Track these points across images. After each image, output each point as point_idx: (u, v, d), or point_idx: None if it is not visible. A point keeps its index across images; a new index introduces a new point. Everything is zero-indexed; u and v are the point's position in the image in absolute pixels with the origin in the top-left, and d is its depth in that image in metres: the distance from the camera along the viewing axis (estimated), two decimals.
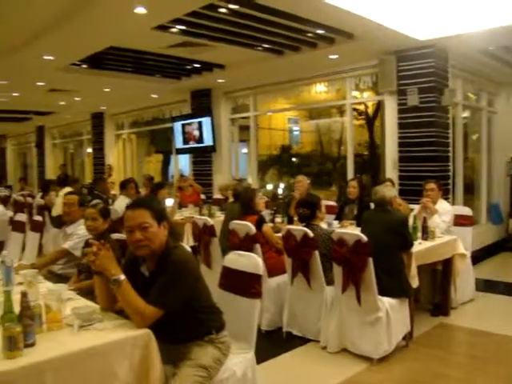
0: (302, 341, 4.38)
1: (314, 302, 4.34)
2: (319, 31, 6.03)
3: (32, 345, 2.10)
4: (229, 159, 9.77)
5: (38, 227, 5.60)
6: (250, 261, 2.99)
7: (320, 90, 8.51)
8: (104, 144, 13.35)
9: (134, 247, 2.50)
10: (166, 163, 16.09)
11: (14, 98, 10.51)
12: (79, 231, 4.10)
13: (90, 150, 14.74)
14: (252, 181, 9.29)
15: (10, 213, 7.38)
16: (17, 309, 2.14)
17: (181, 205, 7.53)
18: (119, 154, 13.55)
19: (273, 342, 4.40)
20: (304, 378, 3.76)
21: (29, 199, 9.88)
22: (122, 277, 2.39)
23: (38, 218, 5.83)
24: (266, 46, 6.72)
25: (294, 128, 14.65)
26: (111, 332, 2.30)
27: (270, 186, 12.97)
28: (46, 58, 6.70)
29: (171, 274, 2.41)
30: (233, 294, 3.01)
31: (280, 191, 11.77)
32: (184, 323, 2.53)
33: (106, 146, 13.34)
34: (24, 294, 2.16)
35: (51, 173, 16.42)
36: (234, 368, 2.68)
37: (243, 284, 2.96)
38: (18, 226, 5.89)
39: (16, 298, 2.19)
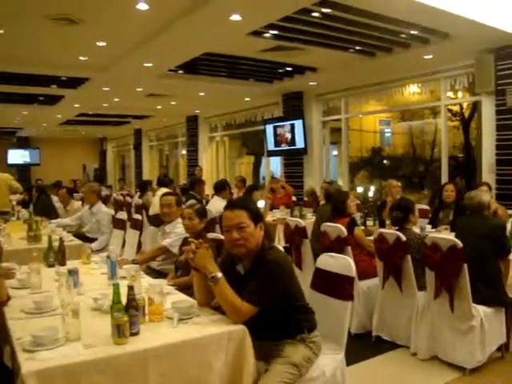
0: (392, 346, 4.30)
1: (404, 307, 4.25)
2: (413, 32, 5.91)
3: (137, 334, 2.27)
4: (320, 161, 9.78)
5: (138, 225, 5.94)
6: (343, 262, 3.00)
7: (413, 91, 8.31)
8: (198, 146, 13.83)
9: (230, 246, 2.61)
10: (257, 165, 16.36)
11: (114, 103, 11.20)
12: (177, 230, 4.31)
13: (184, 152, 15.32)
14: (342, 183, 9.24)
15: (112, 211, 7.84)
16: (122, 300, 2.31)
17: (272, 206, 7.64)
18: (212, 155, 13.98)
19: (361, 346, 4.35)
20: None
21: (128, 198, 10.43)
22: (220, 274, 2.50)
23: (138, 216, 6.17)
24: (358, 47, 6.69)
25: (386, 130, 14.35)
26: (208, 326, 2.42)
27: (360, 189, 12.81)
28: (145, 65, 7.10)
29: (267, 273, 2.50)
30: (324, 295, 3.04)
31: (371, 194, 11.59)
32: (277, 321, 2.59)
33: (199, 148, 13.81)
34: (130, 287, 2.33)
35: (148, 173, 17.28)
36: (323, 368, 2.70)
37: (335, 285, 2.98)
38: (118, 224, 6.28)
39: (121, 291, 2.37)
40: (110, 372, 2.05)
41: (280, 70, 8.17)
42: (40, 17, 5.22)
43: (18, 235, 5.38)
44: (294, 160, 10.01)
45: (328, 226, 4.86)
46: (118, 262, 3.76)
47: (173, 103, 11.47)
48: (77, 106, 11.48)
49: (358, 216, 5.94)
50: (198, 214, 3.89)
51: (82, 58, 6.90)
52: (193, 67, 7.86)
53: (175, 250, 4.17)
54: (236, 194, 9.85)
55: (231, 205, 2.68)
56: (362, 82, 8.39)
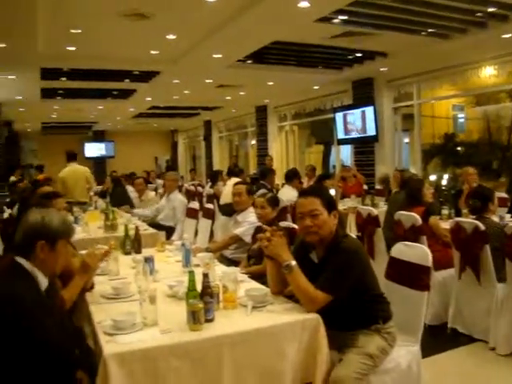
0: (468, 339, 4.12)
1: (483, 299, 4.06)
2: (490, 9, 5.59)
3: (211, 320, 2.31)
4: (391, 149, 9.53)
5: (210, 214, 6.04)
6: (419, 252, 2.92)
7: (489, 74, 7.88)
8: (267, 136, 13.86)
9: (303, 233, 2.59)
10: (326, 154, 16.17)
11: (184, 96, 11.39)
12: (249, 218, 4.33)
13: (253, 142, 15.39)
14: (415, 171, 8.96)
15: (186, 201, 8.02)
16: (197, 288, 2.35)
17: (343, 195, 7.54)
18: (282, 145, 13.97)
19: (436, 338, 4.20)
20: (470, 379, 3.53)
21: (199, 188, 10.62)
22: (293, 262, 2.49)
23: (209, 205, 6.27)
24: (431, 30, 6.42)
25: (459, 115, 13.75)
26: (282, 314, 2.42)
27: (433, 177, 12.38)
28: (214, 56, 7.16)
29: (341, 261, 2.46)
30: (400, 285, 2.96)
31: (444, 182, 11.18)
32: (352, 311, 2.55)
33: (269, 138, 13.84)
34: (205, 275, 2.37)
35: (218, 164, 17.52)
36: (398, 359, 2.64)
37: (411, 275, 2.90)
38: (191, 213, 6.42)
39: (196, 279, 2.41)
40: (185, 357, 2.09)
41: (349, 57, 7.99)
42: (113, 14, 5.39)
43: (95, 224, 5.60)
44: (365, 148, 9.81)
45: (402, 215, 4.73)
46: (193, 250, 3.85)
47: (242, 93, 11.51)
48: (148, 99, 11.79)
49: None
50: (270, 202, 3.89)
51: (153, 51, 7.07)
52: (261, 56, 7.85)
53: (247, 239, 4.21)
54: (306, 183, 9.79)
55: (305, 192, 2.67)
56: (435, 65, 8.04)
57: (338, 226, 2.62)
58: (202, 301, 2.27)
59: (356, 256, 2.49)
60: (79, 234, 5.25)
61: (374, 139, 9.35)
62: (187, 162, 22.22)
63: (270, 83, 10.06)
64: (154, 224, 6.74)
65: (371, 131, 9.31)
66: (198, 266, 3.32)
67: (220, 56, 7.19)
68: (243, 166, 16.64)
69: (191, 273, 2.33)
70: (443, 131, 12.93)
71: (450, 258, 4.37)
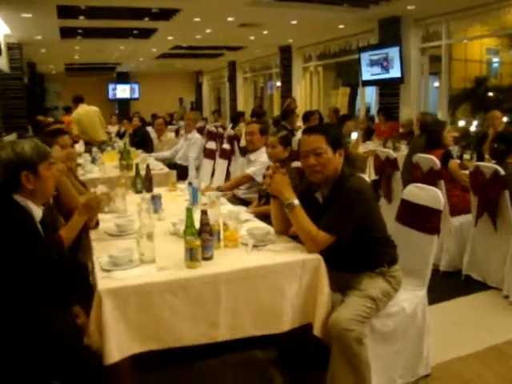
0: (482, 287, 4.05)
1: (499, 247, 3.95)
2: None
3: (210, 258, 2.27)
4: (417, 92, 9.19)
5: (226, 154, 5.97)
6: (430, 194, 2.83)
7: None
8: (292, 77, 13.52)
9: (307, 172, 2.51)
10: (352, 96, 15.77)
11: (207, 35, 11.06)
12: (261, 158, 4.26)
13: (278, 84, 15.07)
14: (442, 116, 8.67)
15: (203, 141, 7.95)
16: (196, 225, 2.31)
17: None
18: (306, 86, 13.64)
19: (450, 284, 4.14)
20: (479, 325, 3.46)
21: (220, 130, 10.50)
22: (296, 201, 2.42)
23: (226, 146, 6.19)
24: None
25: (494, 59, 13.13)
26: (282, 253, 2.37)
27: (462, 123, 11.99)
28: None
29: (345, 200, 2.38)
30: (409, 227, 2.89)
31: (473, 128, 10.82)
32: (356, 253, 2.49)
33: (293, 79, 13.49)
34: (204, 212, 2.31)
35: (242, 106, 17.28)
36: (403, 304, 2.59)
37: (421, 218, 2.82)
38: (208, 153, 6.36)
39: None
40: (181, 293, 2.08)
41: None
42: None
43: (112, 164, 5.60)
44: (390, 90, 9.47)
45: (420, 157, 4.58)
46: (203, 189, 3.82)
47: (265, 33, 11.14)
48: (170, 38, 11.51)
49: (454, 149, 5.58)
50: (281, 141, 3.78)
51: None
52: None
53: (259, 179, 4.14)
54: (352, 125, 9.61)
55: (309, 129, 2.56)
56: (467, 3, 7.54)
57: (345, 164, 2.52)
58: (200, 238, 2.23)
59: (360, 196, 2.39)
60: (95, 173, 5.31)
61: (400, 81, 9.01)
62: (212, 103, 21.97)
63: (294, 22, 9.67)
64: (173, 164, 6.76)
65: (396, 73, 8.96)
66: (206, 204, 3.27)
67: None
68: (268, 107, 16.40)
69: (189, 210, 2.28)
70: (476, 76, 12.41)
71: (468, 203, 4.25)
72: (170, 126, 11.63)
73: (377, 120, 8.94)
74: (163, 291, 2.05)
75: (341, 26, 10.08)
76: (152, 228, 2.29)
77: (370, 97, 12.08)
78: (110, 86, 19.70)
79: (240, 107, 17.04)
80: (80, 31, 10.34)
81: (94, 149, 6.80)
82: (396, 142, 6.89)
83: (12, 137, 8.39)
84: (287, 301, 2.28)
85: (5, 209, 1.98)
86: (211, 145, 6.54)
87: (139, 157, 5.96)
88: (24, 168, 2.01)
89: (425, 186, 2.95)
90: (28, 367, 1.85)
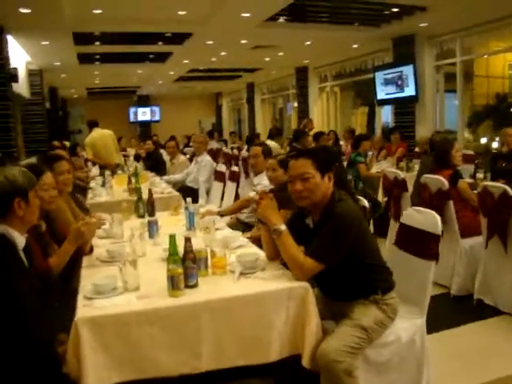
0: (494, 312, 3.88)
1: (510, 270, 3.80)
2: None
3: (194, 286, 2.22)
4: (433, 110, 9.08)
5: (235, 177, 5.94)
6: (428, 218, 2.72)
7: None
8: (308, 97, 13.53)
9: (294, 198, 2.45)
10: (371, 115, 15.71)
11: (222, 58, 11.20)
12: (264, 181, 4.21)
13: (296, 105, 15.11)
14: (459, 134, 8.55)
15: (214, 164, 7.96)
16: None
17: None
18: (323, 107, 13.63)
19: (461, 309, 4.01)
20: (488, 354, 3.30)
21: (235, 152, 10.53)
22: (283, 227, 2.36)
23: (235, 168, 6.17)
24: None
25: None
26: (269, 281, 2.30)
27: (484, 140, 11.82)
28: (243, 15, 6.94)
29: (333, 227, 2.30)
30: (407, 253, 2.79)
31: (495, 145, 10.64)
32: (348, 280, 2.41)
33: (310, 100, 13.51)
34: (187, 239, 2.27)
35: (261, 127, 17.34)
36: (400, 333, 2.48)
37: (418, 243, 2.72)
38: (218, 176, 6.36)
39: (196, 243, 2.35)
40: (160, 324, 2.04)
41: (386, 12, 7.56)
42: None
43: (122, 187, 5.62)
44: (405, 109, 9.39)
45: (428, 178, 4.48)
46: (203, 213, 3.78)
47: (280, 54, 11.22)
48: (186, 61, 11.66)
49: (466, 168, 5.48)
50: (281, 164, 3.72)
51: (180, 12, 6.89)
52: (293, 14, 7.55)
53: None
54: (344, 145, 9.54)
55: (297, 153, 2.50)
56: (481, 19, 7.46)
57: (335, 188, 2.45)
58: (184, 266, 2.19)
59: (350, 222, 2.31)
60: (103, 196, 5.33)
61: (414, 99, 8.92)
62: (231, 125, 22.13)
63: (308, 43, 9.73)
64: (184, 187, 6.77)
65: (411, 91, 8.90)
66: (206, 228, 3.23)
67: (248, 15, 6.96)
68: (286, 128, 16.41)
69: (172, 236, 2.23)
70: (497, 92, 12.25)
71: (479, 224, 4.11)
72: (186, 149, 11.72)
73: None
74: (141, 321, 2.01)
75: (355, 46, 10.09)
76: (136, 255, 2.26)
77: (387, 116, 12.00)
78: (131, 109, 20.05)
79: (258, 128, 17.11)
80: (97, 56, 10.59)
81: (107, 172, 6.87)
82: (409, 162, 6.78)
83: (31, 160, 8.53)
84: (274, 330, 2.21)
85: None
86: (221, 167, 6.53)
87: (148, 181, 5.99)
88: (17, 194, 2.00)
89: (424, 209, 2.86)
90: None
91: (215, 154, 10.46)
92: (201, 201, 6.25)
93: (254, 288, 2.24)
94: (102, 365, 1.97)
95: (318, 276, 2.45)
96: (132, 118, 19.98)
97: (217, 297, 2.15)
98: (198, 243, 2.59)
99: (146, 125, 20.18)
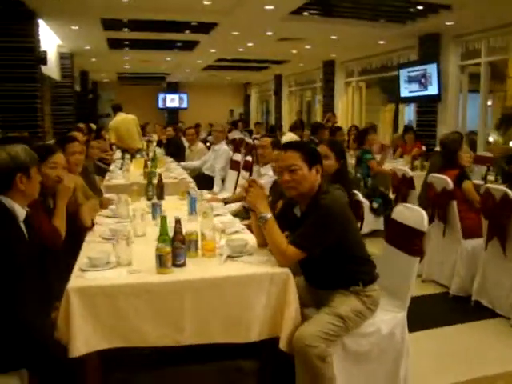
0: (491, 314, 3.90)
1: (508, 273, 3.82)
2: None
3: (182, 265, 2.37)
4: (455, 110, 9.03)
5: (248, 166, 6.07)
6: (415, 215, 2.80)
7: None
8: (334, 92, 13.53)
9: (283, 188, 2.56)
10: (397, 113, 15.58)
11: (249, 48, 11.28)
12: (270, 172, 4.33)
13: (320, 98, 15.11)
14: (482, 135, 8.51)
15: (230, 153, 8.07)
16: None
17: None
18: (348, 101, 13.62)
19: (458, 310, 4.05)
20: (477, 353, 3.35)
21: (256, 142, 10.59)
22: (269, 215, 2.47)
23: (248, 158, 6.29)
24: None
25: None
26: (253, 266, 2.43)
27: None
28: (266, 7, 7.02)
29: (317, 217, 2.40)
30: (395, 248, 2.88)
31: None
32: (330, 270, 2.52)
33: (335, 94, 13.51)
34: (177, 221, 2.41)
35: (287, 119, 17.39)
36: (380, 325, 2.56)
37: (404, 239, 2.81)
38: (233, 165, 6.49)
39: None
40: (145, 297, 2.19)
41: (411, 9, 7.54)
42: None
43: (139, 171, 5.79)
44: (427, 108, 9.35)
45: (434, 177, 4.53)
46: (208, 199, 3.93)
47: (307, 47, 11.23)
48: (213, 51, 11.79)
49: (480, 170, 5.48)
50: None
51: (205, 2, 7.01)
52: (317, 8, 7.61)
53: (266, 192, 4.20)
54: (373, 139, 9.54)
55: (285, 145, 2.61)
56: (507, 18, 7.37)
57: (323, 180, 2.56)
58: (172, 246, 2.33)
59: (333, 213, 2.40)
60: (119, 179, 5.53)
61: (437, 98, 8.88)
62: (259, 115, 22.22)
63: (334, 37, 9.73)
64: (201, 174, 6.94)
65: (434, 90, 8.85)
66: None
67: (272, 7, 7.03)
68: (312, 121, 16.41)
69: (163, 218, 2.39)
70: None
71: (482, 226, 4.15)
72: (210, 137, 11.81)
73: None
74: (128, 293, 2.17)
75: (381, 42, 10.06)
76: (128, 233, 2.42)
77: (409, 113, 11.95)
78: (160, 96, 20.33)
79: (284, 120, 17.16)
80: (126, 42, 10.80)
81: (127, 156, 7.08)
82: (424, 161, 6.79)
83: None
84: (254, 312, 2.33)
85: None
86: (237, 157, 6.67)
87: (164, 166, 6.16)
88: (19, 170, 2.18)
89: (412, 206, 2.94)
90: None
91: (238, 144, 10.56)
92: (215, 188, 6.47)
93: (237, 271, 2.37)
94: (91, 332, 2.13)
95: (303, 265, 2.58)
96: (161, 105, 20.27)
97: (201, 276, 2.29)
98: (194, 227, 2.74)
99: (173, 111, 20.43)
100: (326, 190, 2.52)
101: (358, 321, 2.48)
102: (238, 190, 6.18)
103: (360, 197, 3.23)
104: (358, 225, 3.08)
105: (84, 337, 2.10)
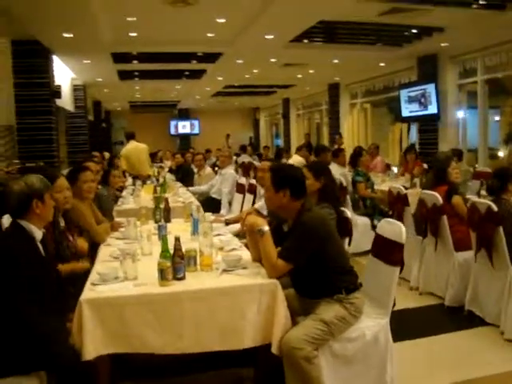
0: (482, 322, 4.07)
1: (496, 282, 4.00)
2: None
3: (182, 279, 2.65)
4: (455, 128, 9.27)
5: (252, 189, 6.35)
6: (395, 228, 3.03)
7: None
8: (339, 113, 13.86)
9: None
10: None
11: (255, 74, 11.71)
12: None
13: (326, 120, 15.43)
14: (483, 151, 8.71)
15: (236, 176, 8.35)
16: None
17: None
18: (354, 122, 13.92)
19: (452, 319, 4.21)
20: (468, 359, 3.52)
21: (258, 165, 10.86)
22: (266, 228, 2.76)
23: (253, 181, 6.58)
24: (483, 1, 6.18)
25: None
26: (245, 277, 2.71)
27: None
28: (267, 37, 7.40)
29: (299, 233, 2.70)
30: (377, 259, 3.12)
31: None
32: (315, 280, 2.78)
33: (341, 116, 13.83)
34: (177, 239, 2.71)
35: (295, 141, 17.72)
36: (364, 330, 2.79)
37: (387, 251, 3.04)
38: (239, 188, 6.79)
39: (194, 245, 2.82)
40: (150, 306, 2.47)
41: (406, 33, 7.87)
42: (159, 2, 5.80)
43: (149, 196, 6.12)
44: (428, 126, 9.62)
45: (425, 194, 4.76)
46: (212, 220, 4.21)
47: (311, 71, 11.60)
48: (220, 78, 12.24)
49: (474, 185, 5.69)
50: None
51: (209, 34, 7.42)
52: (316, 35, 7.96)
53: (265, 213, 4.48)
54: (369, 159, 9.75)
55: (270, 167, 2.96)
56: (498, 39, 7.68)
57: (307, 199, 2.85)
58: (173, 261, 2.62)
59: (312, 229, 2.68)
60: (130, 204, 5.86)
61: (436, 117, 9.14)
62: (268, 139, 22.61)
63: (335, 61, 10.09)
64: (209, 198, 7.24)
65: (433, 109, 9.12)
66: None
67: (272, 37, 7.40)
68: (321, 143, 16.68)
69: (164, 237, 2.70)
70: None
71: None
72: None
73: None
74: (134, 303, 2.46)
75: (382, 64, 10.39)
76: (134, 252, 2.72)
77: (413, 133, 12.18)
78: (172, 122, 20.86)
79: (293, 143, 17.50)
80: (136, 73, 11.29)
81: (138, 182, 7.43)
82: (423, 178, 7.02)
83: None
84: (248, 321, 2.59)
85: (11, 230, 2.49)
86: (242, 180, 6.97)
87: (173, 191, 6.48)
88: (35, 196, 2.51)
89: (393, 220, 3.20)
90: (13, 359, 2.28)
91: (247, 168, 10.82)
92: (223, 210, 6.76)
93: (231, 282, 2.65)
94: (100, 338, 2.41)
95: (293, 276, 2.87)
96: (173, 131, 20.79)
97: (198, 287, 2.57)
98: (195, 246, 3.03)
99: (186, 137, 20.92)
100: (309, 207, 2.81)
101: (342, 326, 2.72)
102: (243, 211, 6.48)
103: (348, 213, 3.48)
104: (347, 240, 3.37)
105: (94, 342, 2.38)
